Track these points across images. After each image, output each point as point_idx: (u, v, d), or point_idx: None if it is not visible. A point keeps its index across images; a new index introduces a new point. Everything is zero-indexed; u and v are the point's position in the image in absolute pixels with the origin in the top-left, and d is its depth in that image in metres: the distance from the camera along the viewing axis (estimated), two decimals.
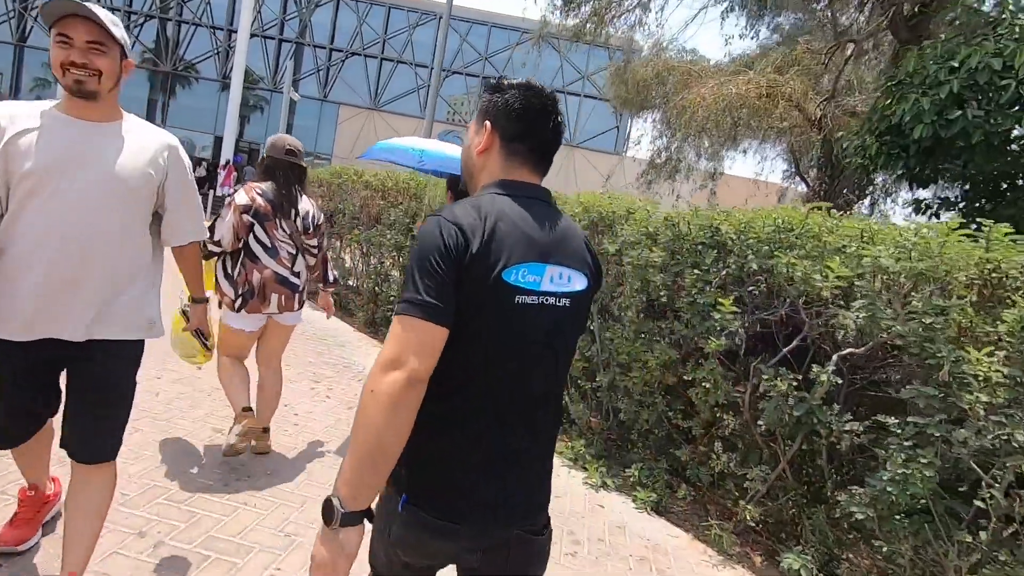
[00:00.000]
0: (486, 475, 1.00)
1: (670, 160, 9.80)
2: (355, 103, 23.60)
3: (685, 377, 2.84)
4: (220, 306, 2.58)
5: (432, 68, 23.47)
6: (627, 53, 10.32)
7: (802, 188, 10.83)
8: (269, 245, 2.55)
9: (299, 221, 2.62)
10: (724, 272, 2.77)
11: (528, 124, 1.06)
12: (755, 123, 7.53)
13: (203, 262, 2.17)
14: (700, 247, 2.84)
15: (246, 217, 2.49)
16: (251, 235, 2.52)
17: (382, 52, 23.47)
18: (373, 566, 1.08)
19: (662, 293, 2.96)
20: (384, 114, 23.46)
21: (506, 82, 1.09)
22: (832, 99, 7.09)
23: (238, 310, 2.52)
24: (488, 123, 1.07)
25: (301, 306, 2.72)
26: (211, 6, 23.61)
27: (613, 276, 3.31)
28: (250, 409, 2.59)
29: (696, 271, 2.79)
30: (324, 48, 23.56)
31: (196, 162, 16.30)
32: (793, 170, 9.16)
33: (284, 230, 2.58)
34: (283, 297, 2.59)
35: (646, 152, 21.40)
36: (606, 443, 3.34)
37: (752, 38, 9.59)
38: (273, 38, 23.53)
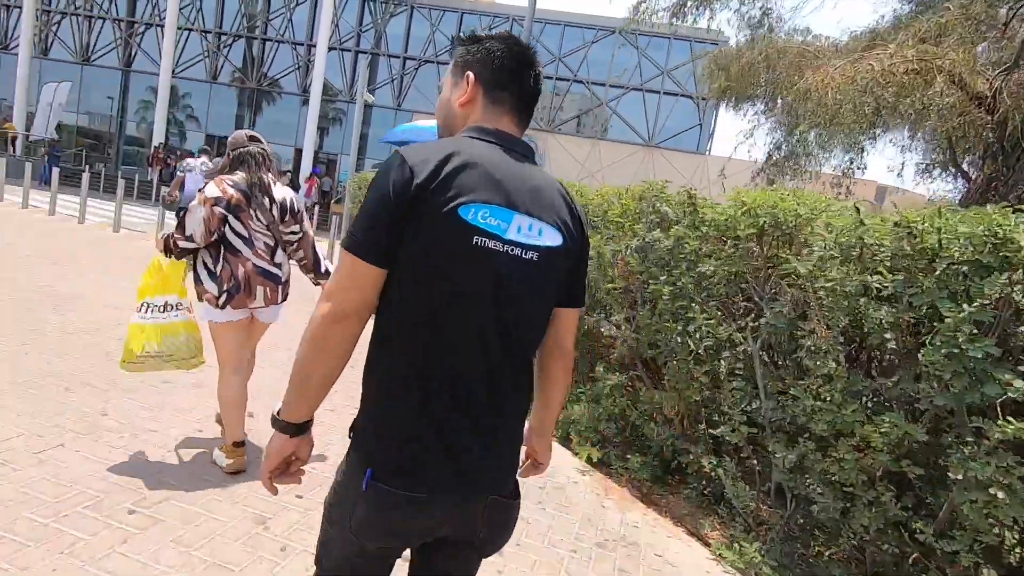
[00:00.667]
0: (451, 441, 0.95)
1: (793, 155, 8.48)
2: (429, 110, 23.48)
3: (938, 462, 1.84)
4: (199, 299, 2.51)
5: None
6: (745, 29, 9.01)
7: (937, 185, 9.14)
8: (246, 236, 2.48)
9: (275, 210, 2.53)
10: (1010, 311, 1.75)
11: (511, 73, 1.06)
12: (904, 106, 6.18)
13: (171, 261, 2.31)
14: (966, 268, 1.83)
15: (218, 209, 2.39)
16: (227, 227, 2.43)
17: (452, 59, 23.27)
18: (321, 567, 1.06)
19: (888, 336, 1.97)
20: None
21: (483, 34, 1.09)
22: (1014, 69, 5.65)
23: (222, 307, 2.44)
24: (470, 74, 1.06)
25: (285, 299, 2.66)
26: (292, 23, 24.30)
27: (792, 304, 2.35)
28: (242, 444, 2.56)
29: (959, 305, 1.79)
30: (398, 57, 23.63)
31: (281, 174, 16.64)
32: (945, 159, 7.58)
33: (260, 220, 2.50)
34: (268, 290, 2.53)
35: (744, 149, 19.73)
36: (785, 538, 2.38)
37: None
38: (349, 50, 23.87)
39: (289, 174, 20.73)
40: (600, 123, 22.47)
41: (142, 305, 2.49)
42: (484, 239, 0.91)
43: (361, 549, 0.99)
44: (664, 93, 22.06)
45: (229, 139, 2.67)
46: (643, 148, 22.01)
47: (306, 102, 23.34)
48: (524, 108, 1.07)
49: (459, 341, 0.94)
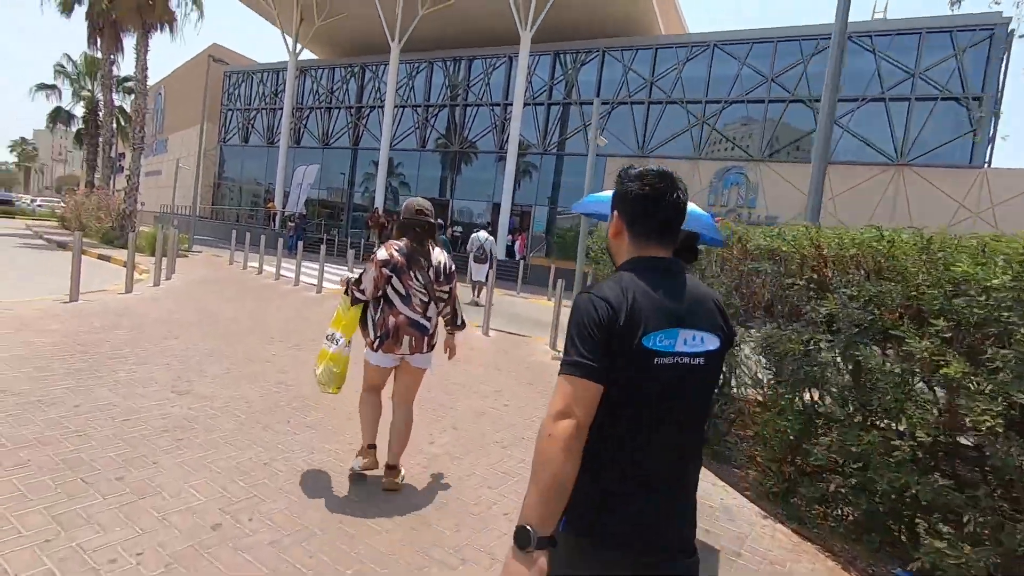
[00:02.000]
0: (648, 507, 1.18)
1: None
2: (623, 153, 22.62)
3: None
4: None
5: (705, 102, 21.22)
6: None
7: None
8: (404, 293, 2.92)
9: (431, 271, 2.97)
10: None
11: (646, 207, 1.27)
12: None
13: (350, 307, 2.96)
14: None
15: (385, 271, 2.88)
16: (389, 285, 2.90)
17: (649, 96, 22.14)
18: None
19: None
20: (652, 160, 21.88)
21: (625, 173, 1.34)
22: None
23: (376, 349, 2.94)
24: (615, 211, 1.33)
25: (430, 349, 3.04)
26: (490, 87, 25.72)
27: None
28: (374, 447, 3.09)
29: None
30: (590, 103, 23.37)
31: (483, 226, 17.12)
32: None
33: (418, 280, 2.93)
34: (413, 339, 2.93)
35: None
36: None
37: None
38: (542, 103, 24.34)
39: (489, 226, 21.39)
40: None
41: (331, 336, 3.01)
42: (661, 358, 1.17)
43: None
44: (915, 99, 18.06)
45: (403, 206, 3.06)
46: (889, 168, 18.13)
47: (501, 158, 24.25)
48: (667, 231, 1.29)
49: (651, 435, 1.19)
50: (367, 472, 3.06)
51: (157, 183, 41.54)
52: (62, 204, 27.54)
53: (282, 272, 13.04)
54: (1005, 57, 17.05)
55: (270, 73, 33.84)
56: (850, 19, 6.49)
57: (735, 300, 3.87)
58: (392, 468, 2.97)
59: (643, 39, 22.78)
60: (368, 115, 29.52)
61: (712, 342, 1.23)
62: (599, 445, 1.16)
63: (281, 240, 14.51)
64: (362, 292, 2.91)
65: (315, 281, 11.70)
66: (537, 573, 1.04)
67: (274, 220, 28.31)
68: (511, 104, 23.60)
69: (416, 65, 27.63)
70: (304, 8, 27.27)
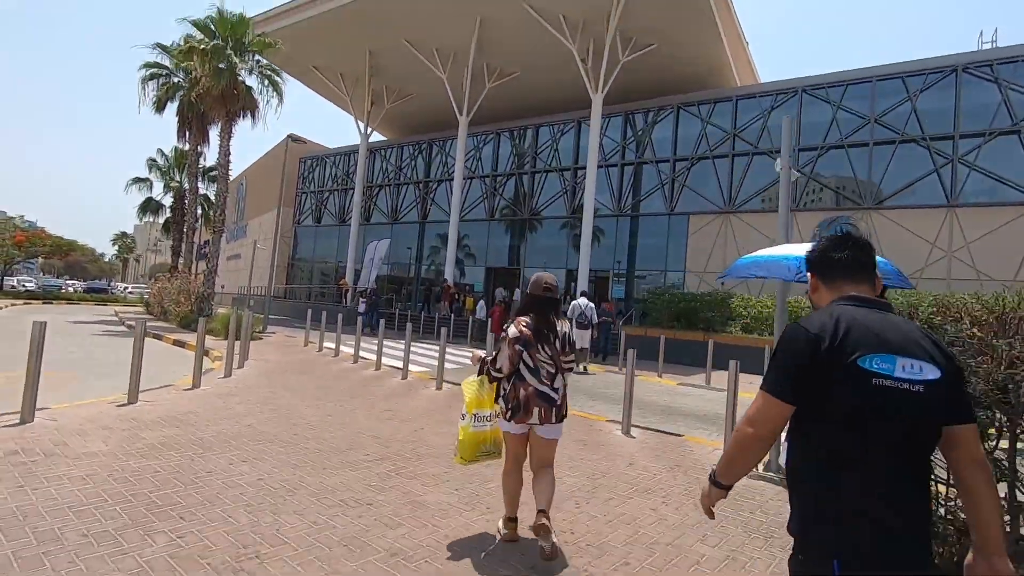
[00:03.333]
0: (876, 531, 1.25)
1: None
2: (703, 209, 21.04)
3: None
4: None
5: (795, 150, 19.50)
6: None
7: None
8: (532, 367, 3.08)
9: (557, 343, 3.13)
10: None
11: (831, 263, 1.53)
12: None
13: (488, 386, 3.25)
14: None
15: (518, 347, 3.06)
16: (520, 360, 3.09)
17: (732, 149, 20.71)
18: None
19: None
20: (740, 215, 20.12)
21: (820, 240, 1.60)
22: None
23: (509, 420, 3.11)
24: (810, 273, 1.59)
25: (560, 420, 3.15)
26: (559, 151, 25.16)
27: None
28: (515, 520, 3.22)
29: None
30: (667, 161, 22.19)
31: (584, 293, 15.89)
32: None
33: (546, 352, 3.09)
34: (543, 410, 3.06)
35: None
36: None
37: None
38: (616, 165, 23.39)
39: (584, 294, 20.01)
40: (949, 187, 16.88)
41: (472, 416, 3.25)
42: (880, 379, 1.28)
43: None
44: None
45: (530, 281, 3.27)
46: None
47: (568, 223, 23.19)
48: (857, 274, 1.50)
49: (875, 458, 1.29)
50: (508, 542, 3.17)
51: (237, 266, 43.33)
52: (149, 290, 28.60)
53: (361, 353, 11.99)
54: None
55: (341, 156, 35.14)
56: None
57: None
58: (544, 526, 2.94)
59: (719, 93, 21.67)
60: (436, 188, 29.62)
61: (931, 372, 1.30)
62: (830, 472, 1.34)
63: (360, 319, 13.66)
64: (499, 371, 3.11)
65: (399, 364, 10.44)
66: (707, 496, 1.56)
67: (346, 296, 28.16)
68: (581, 168, 22.80)
69: (483, 137, 27.67)
70: (375, 93, 28.24)
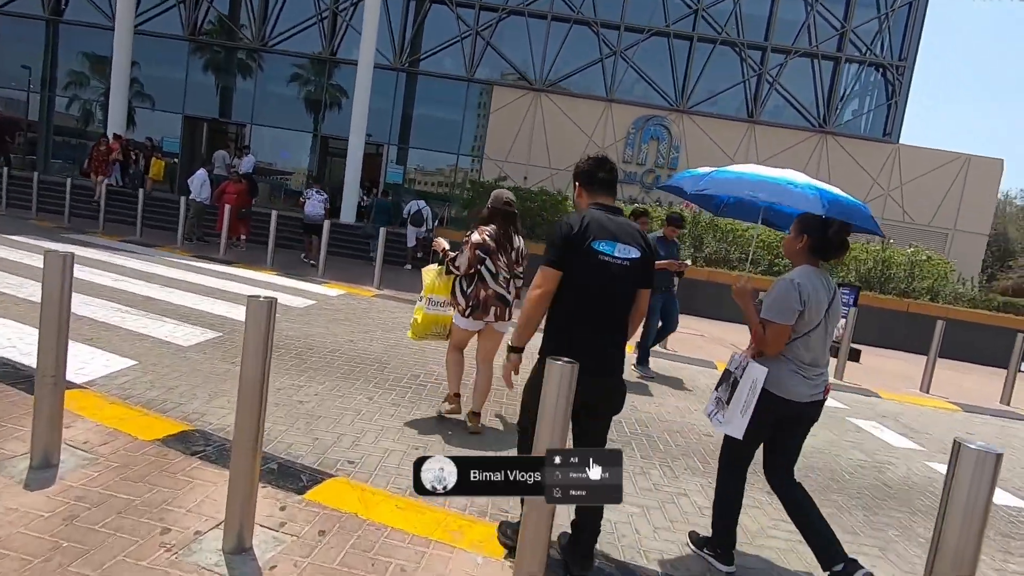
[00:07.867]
0: (589, 348, 2.05)
1: None
2: (515, 84, 16.99)
3: None
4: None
5: (621, 26, 16.73)
6: None
7: None
8: (493, 272, 3.54)
9: (514, 254, 3.62)
10: None
11: (595, 179, 2.25)
12: None
13: (444, 277, 3.71)
14: None
15: (478, 252, 3.49)
16: (482, 264, 3.51)
17: (551, 7, 16.66)
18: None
19: None
20: (551, 96, 16.79)
21: (586, 157, 2.33)
22: None
23: (467, 316, 3.56)
24: (576, 184, 2.30)
25: (511, 317, 3.57)
26: None
27: None
28: (458, 396, 3.78)
29: None
30: (471, 7, 16.81)
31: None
32: None
33: (503, 260, 3.56)
34: (498, 309, 3.57)
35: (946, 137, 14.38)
36: None
37: None
38: None
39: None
40: (755, 100, 16.70)
41: (427, 299, 3.76)
42: (603, 256, 2.09)
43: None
44: (846, 60, 16.49)
45: (492, 195, 3.65)
46: (814, 135, 16.48)
47: (325, 70, 16.22)
48: (608, 188, 2.27)
49: (593, 307, 2.12)
50: (450, 416, 3.76)
51: None
52: None
53: None
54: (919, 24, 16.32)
55: None
56: None
57: None
58: (476, 415, 3.64)
59: None
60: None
61: (635, 252, 2.13)
62: (564, 316, 2.16)
63: None
64: (457, 268, 3.54)
65: None
66: (513, 362, 2.29)
67: None
68: None
69: None
70: None
